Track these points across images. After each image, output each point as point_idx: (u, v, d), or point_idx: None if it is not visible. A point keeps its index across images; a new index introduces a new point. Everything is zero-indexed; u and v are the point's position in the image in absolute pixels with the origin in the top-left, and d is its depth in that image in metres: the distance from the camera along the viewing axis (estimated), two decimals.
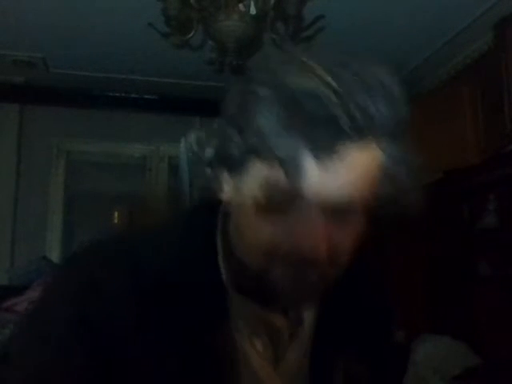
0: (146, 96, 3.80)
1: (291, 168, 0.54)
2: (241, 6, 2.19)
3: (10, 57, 3.28)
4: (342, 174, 0.55)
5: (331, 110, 0.52)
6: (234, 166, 0.61)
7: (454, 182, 2.84)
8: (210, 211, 0.69)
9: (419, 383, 2.54)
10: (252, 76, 0.60)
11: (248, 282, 0.64)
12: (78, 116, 3.84)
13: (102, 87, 3.72)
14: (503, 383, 2.29)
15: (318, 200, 0.56)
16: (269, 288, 0.60)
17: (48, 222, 3.78)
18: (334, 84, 0.53)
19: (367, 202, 0.59)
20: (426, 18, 2.76)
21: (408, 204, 0.63)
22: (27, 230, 3.67)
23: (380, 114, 0.56)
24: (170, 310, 0.62)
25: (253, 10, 2.21)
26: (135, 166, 4.07)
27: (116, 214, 3.79)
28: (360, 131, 0.54)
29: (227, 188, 0.64)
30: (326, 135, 0.53)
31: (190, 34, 2.29)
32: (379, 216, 0.64)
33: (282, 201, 0.57)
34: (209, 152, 0.64)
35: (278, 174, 0.55)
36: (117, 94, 3.80)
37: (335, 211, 0.57)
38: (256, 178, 0.58)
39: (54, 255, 3.68)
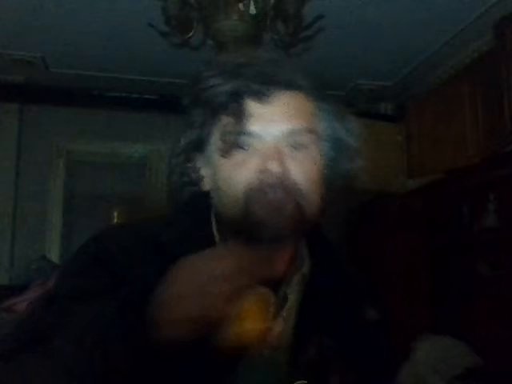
0: (146, 96, 3.80)
1: (237, 110, 0.73)
2: (240, 5, 2.19)
3: (9, 56, 3.28)
4: (276, 108, 0.75)
5: (255, 72, 0.74)
6: (202, 142, 0.79)
7: (454, 182, 2.84)
8: (201, 200, 0.81)
9: (419, 383, 2.54)
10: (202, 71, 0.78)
11: (236, 234, 0.75)
12: (78, 116, 3.84)
13: (102, 87, 3.72)
14: (503, 383, 2.29)
15: (266, 130, 0.74)
16: (252, 226, 0.72)
17: (48, 222, 3.78)
18: (255, 61, 0.77)
19: (312, 133, 0.77)
20: (426, 18, 2.76)
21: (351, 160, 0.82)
22: (27, 230, 3.67)
23: (286, 74, 0.77)
24: (169, 258, 0.69)
25: (252, 10, 2.21)
26: (135, 166, 4.07)
27: (116, 214, 3.79)
28: (275, 81, 0.75)
29: (205, 172, 0.80)
30: (256, 86, 0.74)
31: (190, 34, 2.29)
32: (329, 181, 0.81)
33: (240, 141, 0.74)
34: (183, 143, 0.80)
35: (230, 123, 0.74)
36: (117, 94, 3.80)
37: (285, 140, 0.75)
38: (216, 135, 0.76)
39: (54, 255, 3.68)
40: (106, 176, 3.95)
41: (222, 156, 0.75)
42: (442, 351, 2.62)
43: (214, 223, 0.80)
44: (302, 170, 0.75)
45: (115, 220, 3.74)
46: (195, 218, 0.80)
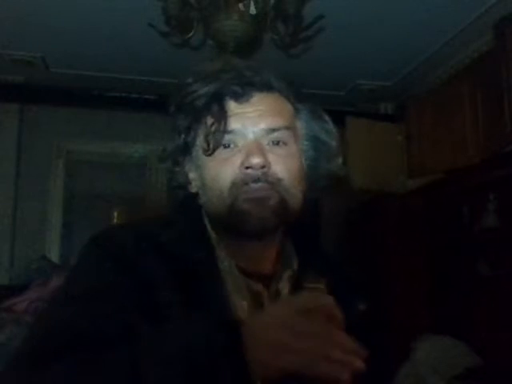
0: (146, 96, 3.79)
1: (219, 110, 0.78)
2: (241, 5, 2.19)
3: (9, 56, 3.28)
4: (255, 108, 0.80)
5: (233, 76, 0.80)
6: (188, 146, 0.83)
7: (454, 182, 2.84)
8: (192, 201, 0.85)
9: (419, 383, 2.54)
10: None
11: (225, 229, 0.80)
12: (78, 116, 3.83)
13: (101, 87, 3.72)
14: (503, 383, 2.29)
15: (247, 128, 0.78)
16: (237, 219, 0.77)
17: (48, 222, 3.78)
18: (233, 67, 0.82)
19: (290, 131, 0.82)
20: (426, 18, 2.76)
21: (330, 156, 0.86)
22: (27, 230, 3.67)
23: (263, 77, 0.82)
24: (169, 257, 0.76)
25: (253, 10, 2.21)
26: (135, 166, 4.07)
27: (116, 214, 3.78)
28: (253, 84, 0.81)
29: (192, 176, 0.84)
30: (236, 88, 0.79)
31: (190, 34, 2.29)
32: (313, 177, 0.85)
33: (223, 139, 0.78)
34: (170, 149, 0.85)
35: (213, 123, 0.78)
36: (117, 94, 3.80)
37: (265, 137, 0.79)
38: (201, 137, 0.80)
39: (54, 255, 3.68)
40: (105, 176, 3.94)
41: (207, 155, 0.79)
42: (442, 351, 2.62)
43: (207, 222, 0.85)
44: (284, 165, 0.79)
45: (115, 220, 3.73)
46: (190, 218, 0.84)
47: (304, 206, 0.84)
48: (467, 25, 2.86)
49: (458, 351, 2.60)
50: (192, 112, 0.81)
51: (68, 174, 3.92)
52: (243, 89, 0.79)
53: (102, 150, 3.95)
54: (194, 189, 0.85)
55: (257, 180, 0.77)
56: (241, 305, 0.78)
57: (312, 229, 0.97)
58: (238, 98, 0.79)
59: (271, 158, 0.79)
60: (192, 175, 0.85)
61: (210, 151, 0.79)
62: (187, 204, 0.86)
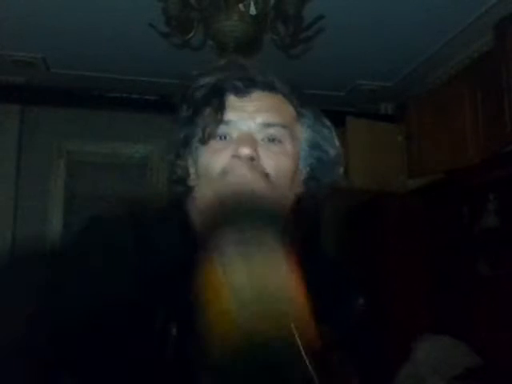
0: (146, 96, 3.80)
1: (218, 102, 0.79)
2: (241, 6, 2.19)
3: (10, 57, 3.28)
4: (254, 103, 0.81)
5: (237, 73, 0.82)
6: (188, 138, 0.84)
7: (454, 182, 2.84)
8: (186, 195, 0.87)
9: (419, 383, 2.54)
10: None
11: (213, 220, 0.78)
12: (78, 116, 3.84)
13: (102, 87, 3.72)
14: (503, 383, 2.30)
15: (243, 121, 0.79)
16: (224, 209, 0.75)
17: (48, 222, 3.78)
18: (238, 65, 0.84)
19: (287, 129, 0.82)
20: (425, 18, 2.76)
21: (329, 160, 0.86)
22: (27, 230, 3.67)
23: (267, 77, 0.83)
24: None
25: (253, 11, 2.22)
26: (135, 166, 4.07)
27: None
28: (255, 81, 0.82)
29: (192, 169, 0.85)
30: (238, 83, 0.80)
31: (190, 34, 2.29)
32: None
33: (218, 130, 0.79)
34: (173, 141, 0.86)
35: (210, 113, 0.79)
36: (117, 94, 3.80)
37: (260, 132, 0.80)
38: (200, 128, 0.81)
39: None
40: (106, 176, 3.94)
41: (202, 144, 0.81)
42: (442, 351, 2.62)
43: (195, 220, 0.85)
44: (274, 162, 0.80)
45: None
46: (183, 213, 0.85)
47: (293, 204, 0.85)
48: (467, 25, 2.86)
49: (458, 351, 2.60)
50: (193, 103, 0.82)
51: (69, 175, 3.93)
52: (245, 84, 0.81)
53: (102, 151, 3.95)
54: (192, 182, 0.86)
55: (244, 170, 0.77)
56: None
57: (312, 228, 0.98)
58: (239, 92, 0.81)
59: (263, 153, 0.80)
60: (191, 169, 0.86)
61: (204, 141, 0.80)
62: (181, 198, 0.86)
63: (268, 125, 0.81)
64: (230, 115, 0.80)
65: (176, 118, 0.86)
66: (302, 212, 0.86)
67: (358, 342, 0.85)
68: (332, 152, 0.87)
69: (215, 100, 0.80)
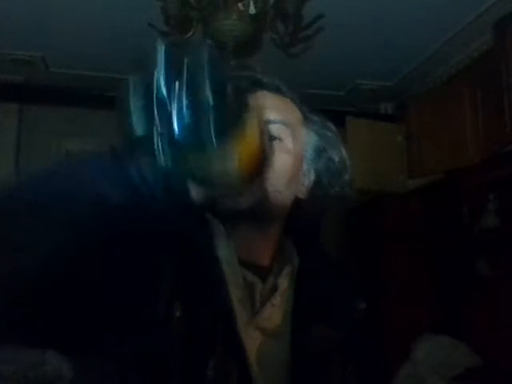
0: None
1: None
2: (240, 5, 2.19)
3: (9, 56, 3.28)
4: (258, 101, 0.79)
5: (245, 73, 0.83)
6: None
7: (454, 182, 2.84)
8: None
9: (419, 383, 2.54)
10: None
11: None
12: (78, 115, 3.83)
13: (102, 87, 3.72)
14: (503, 383, 2.29)
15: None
16: (218, 201, 0.77)
17: None
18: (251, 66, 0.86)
19: (288, 127, 0.82)
20: (426, 18, 2.76)
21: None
22: None
23: (274, 81, 0.85)
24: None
25: (252, 10, 2.21)
26: None
27: None
28: (261, 82, 0.83)
29: None
30: (245, 83, 0.80)
31: (190, 34, 2.29)
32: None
33: None
34: None
35: None
36: (116, 94, 3.80)
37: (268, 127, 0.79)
38: None
39: None
40: None
41: None
42: (442, 351, 2.62)
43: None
44: (274, 159, 0.80)
45: None
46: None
47: (292, 203, 0.85)
48: (467, 24, 2.86)
49: (458, 351, 2.60)
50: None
51: None
52: (250, 83, 0.82)
53: (101, 150, 3.94)
54: None
55: None
56: (235, 294, 0.79)
57: (312, 229, 0.98)
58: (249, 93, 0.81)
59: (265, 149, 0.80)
60: None
61: None
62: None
63: (268, 121, 0.80)
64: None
65: None
66: (304, 215, 0.87)
67: (358, 342, 0.85)
68: (338, 159, 0.88)
69: None
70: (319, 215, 0.93)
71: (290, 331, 0.81)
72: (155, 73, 0.59)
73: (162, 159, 0.55)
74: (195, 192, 0.76)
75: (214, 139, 0.54)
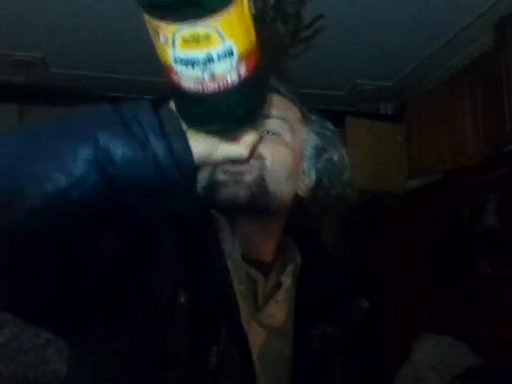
0: (146, 96, 3.79)
1: None
2: None
3: (9, 56, 3.28)
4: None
5: None
6: None
7: (454, 182, 2.84)
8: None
9: (419, 383, 2.54)
10: None
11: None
12: None
13: (102, 87, 3.72)
14: (503, 383, 2.29)
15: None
16: (214, 190, 0.79)
17: None
18: None
19: (286, 123, 0.83)
20: (425, 18, 2.76)
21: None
22: None
23: (272, 82, 0.85)
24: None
25: (252, 10, 2.21)
26: None
27: None
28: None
29: None
30: None
31: None
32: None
33: None
34: None
35: None
36: (117, 94, 3.80)
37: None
38: None
39: None
40: None
41: None
42: (442, 351, 2.61)
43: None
44: (271, 149, 0.81)
45: None
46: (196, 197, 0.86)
47: (292, 197, 0.85)
48: (467, 25, 2.86)
49: (458, 351, 2.59)
50: None
51: None
52: None
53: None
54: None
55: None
56: (238, 288, 0.79)
57: (313, 228, 0.99)
58: None
59: (261, 141, 0.80)
60: None
61: None
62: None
63: (266, 116, 0.81)
64: None
65: None
66: (305, 215, 0.87)
67: (359, 342, 0.86)
68: (337, 159, 0.89)
69: None
70: (320, 215, 0.93)
71: (292, 329, 0.82)
72: None
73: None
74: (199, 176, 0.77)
75: None
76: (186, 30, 0.52)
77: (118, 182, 0.54)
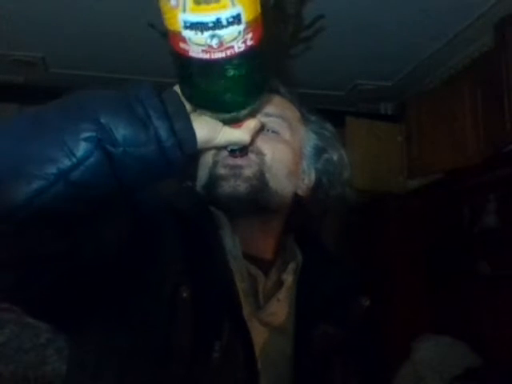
0: None
1: None
2: None
3: (9, 56, 3.28)
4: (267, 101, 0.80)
5: None
6: None
7: (454, 182, 2.84)
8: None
9: (419, 383, 2.54)
10: None
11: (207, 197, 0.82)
12: None
13: (101, 87, 3.72)
14: (503, 383, 2.29)
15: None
16: (214, 184, 0.80)
17: None
18: None
19: (285, 121, 0.84)
20: (425, 18, 2.76)
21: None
22: None
23: (273, 83, 0.85)
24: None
25: None
26: None
27: None
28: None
29: None
30: None
31: None
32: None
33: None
34: None
35: None
36: None
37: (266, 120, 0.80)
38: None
39: None
40: None
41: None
42: (442, 351, 2.61)
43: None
44: (270, 145, 0.82)
45: None
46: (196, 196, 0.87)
47: (291, 194, 0.86)
48: (467, 25, 2.86)
49: (458, 351, 2.59)
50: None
51: None
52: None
53: None
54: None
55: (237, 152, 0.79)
56: (241, 286, 0.79)
57: (313, 228, 0.99)
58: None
59: (259, 138, 0.81)
60: None
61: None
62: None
63: (266, 114, 0.81)
64: None
65: None
66: (305, 214, 0.87)
67: (360, 341, 0.86)
68: (337, 159, 0.90)
69: None
70: (320, 215, 0.93)
71: (293, 327, 0.82)
72: None
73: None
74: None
75: None
76: None
77: (119, 161, 0.54)
